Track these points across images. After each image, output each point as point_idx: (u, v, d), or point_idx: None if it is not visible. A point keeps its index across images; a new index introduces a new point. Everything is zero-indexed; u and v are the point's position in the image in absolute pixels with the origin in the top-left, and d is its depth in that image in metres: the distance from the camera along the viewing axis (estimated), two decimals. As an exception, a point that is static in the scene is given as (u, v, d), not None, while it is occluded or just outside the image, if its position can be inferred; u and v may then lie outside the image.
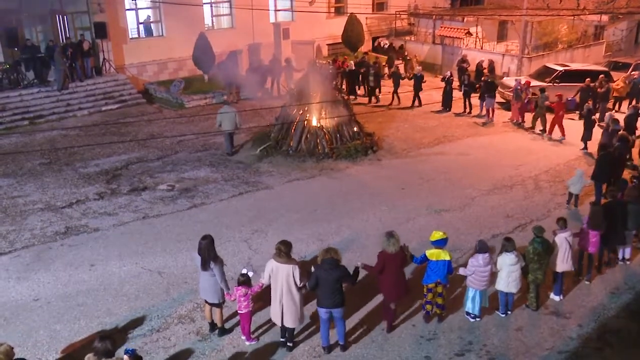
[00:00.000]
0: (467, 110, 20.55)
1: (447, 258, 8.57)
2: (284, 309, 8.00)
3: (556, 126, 17.77)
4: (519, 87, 19.17)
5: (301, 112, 16.51)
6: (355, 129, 16.98)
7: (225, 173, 15.22)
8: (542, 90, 18.71)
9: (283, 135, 16.73)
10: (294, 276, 7.90)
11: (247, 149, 16.91)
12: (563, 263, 9.44)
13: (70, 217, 12.68)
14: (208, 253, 8.24)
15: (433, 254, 8.59)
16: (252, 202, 13.52)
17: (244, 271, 8.44)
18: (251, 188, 14.31)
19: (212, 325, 8.80)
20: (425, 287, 8.84)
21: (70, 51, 21.13)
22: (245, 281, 8.27)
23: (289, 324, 8.16)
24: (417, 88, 21.04)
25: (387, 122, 19.56)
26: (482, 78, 20.79)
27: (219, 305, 8.55)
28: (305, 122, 16.43)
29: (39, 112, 19.96)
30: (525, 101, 18.96)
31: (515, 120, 19.40)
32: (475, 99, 20.48)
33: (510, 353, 8.40)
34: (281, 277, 7.90)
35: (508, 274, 8.87)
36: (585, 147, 16.76)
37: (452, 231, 9.49)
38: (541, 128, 18.34)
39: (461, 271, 8.93)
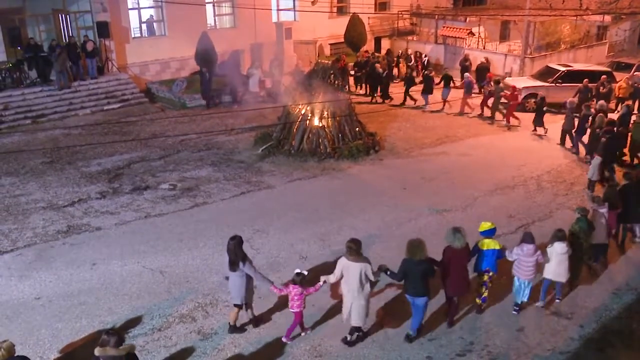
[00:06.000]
0: (404, 101, 21.66)
1: (497, 247, 8.88)
2: (352, 307, 8.12)
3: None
4: (470, 82, 20.68)
5: (303, 111, 16.52)
6: (357, 128, 16.99)
7: (227, 172, 15.23)
8: (497, 82, 19.94)
9: (285, 135, 16.73)
10: (366, 273, 8.00)
11: (249, 148, 16.93)
12: (601, 236, 10.18)
13: (72, 216, 12.70)
14: (236, 254, 8.26)
15: (484, 243, 8.90)
16: (254, 202, 13.52)
17: (299, 270, 8.53)
18: (253, 187, 14.31)
19: (256, 319, 8.89)
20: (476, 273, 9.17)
21: (71, 50, 21.18)
22: (301, 280, 8.35)
23: (355, 322, 8.26)
24: (388, 86, 22.32)
25: (389, 122, 19.56)
26: (426, 72, 22.10)
27: (240, 307, 8.61)
28: (307, 122, 16.44)
29: (41, 111, 20.02)
30: (487, 93, 20.11)
31: (461, 112, 20.56)
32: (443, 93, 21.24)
33: (512, 353, 8.38)
34: (353, 275, 7.99)
35: (558, 263, 9.18)
36: (535, 130, 18.40)
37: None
38: (490, 116, 19.84)
39: (507, 254, 9.19)
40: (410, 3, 31.99)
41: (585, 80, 19.54)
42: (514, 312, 9.29)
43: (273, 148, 16.51)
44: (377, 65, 22.44)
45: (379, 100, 22.19)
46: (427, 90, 21.20)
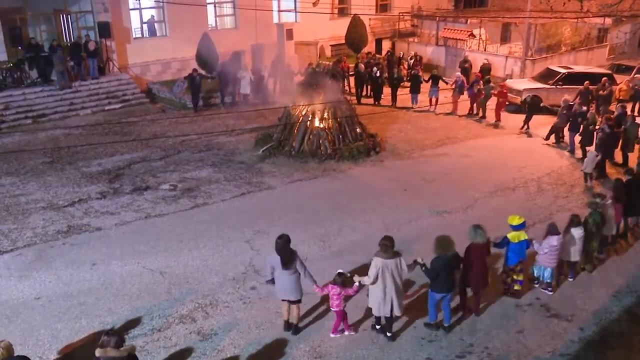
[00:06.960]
0: (394, 103, 21.82)
1: (526, 238, 9.42)
2: (394, 300, 8.25)
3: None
4: (462, 81, 20.85)
5: (304, 112, 16.52)
6: (358, 129, 16.99)
7: (228, 173, 15.23)
8: (488, 81, 20.61)
9: (286, 135, 16.73)
10: (402, 267, 8.21)
11: (250, 149, 16.93)
12: (609, 228, 10.92)
13: (72, 216, 12.70)
14: (286, 252, 8.29)
15: (514, 236, 9.33)
16: (255, 203, 13.52)
17: (341, 271, 8.57)
18: (253, 188, 14.31)
19: (288, 325, 8.80)
20: (507, 268, 9.58)
21: (75, 50, 21.19)
22: (342, 281, 8.39)
23: (399, 312, 8.43)
24: (380, 87, 22.34)
25: (390, 124, 19.56)
26: (412, 72, 22.36)
27: (299, 302, 8.62)
28: (308, 123, 16.44)
29: (42, 111, 20.03)
30: (476, 91, 20.37)
31: (454, 112, 20.81)
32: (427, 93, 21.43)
33: (512, 356, 8.38)
34: (390, 271, 8.13)
35: (574, 245, 9.83)
36: (528, 127, 18.96)
37: (454, 233, 9.49)
38: (481, 115, 20.27)
39: (535, 247, 9.61)
40: (411, 4, 32.00)
41: (586, 82, 19.55)
42: (535, 284, 9.92)
43: (274, 149, 16.51)
44: (361, 65, 22.48)
45: (371, 101, 22.23)
46: (415, 90, 21.43)
